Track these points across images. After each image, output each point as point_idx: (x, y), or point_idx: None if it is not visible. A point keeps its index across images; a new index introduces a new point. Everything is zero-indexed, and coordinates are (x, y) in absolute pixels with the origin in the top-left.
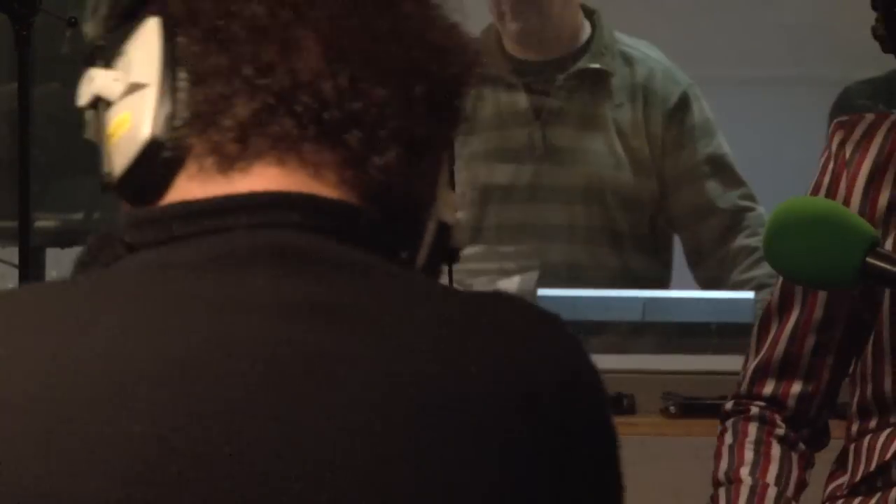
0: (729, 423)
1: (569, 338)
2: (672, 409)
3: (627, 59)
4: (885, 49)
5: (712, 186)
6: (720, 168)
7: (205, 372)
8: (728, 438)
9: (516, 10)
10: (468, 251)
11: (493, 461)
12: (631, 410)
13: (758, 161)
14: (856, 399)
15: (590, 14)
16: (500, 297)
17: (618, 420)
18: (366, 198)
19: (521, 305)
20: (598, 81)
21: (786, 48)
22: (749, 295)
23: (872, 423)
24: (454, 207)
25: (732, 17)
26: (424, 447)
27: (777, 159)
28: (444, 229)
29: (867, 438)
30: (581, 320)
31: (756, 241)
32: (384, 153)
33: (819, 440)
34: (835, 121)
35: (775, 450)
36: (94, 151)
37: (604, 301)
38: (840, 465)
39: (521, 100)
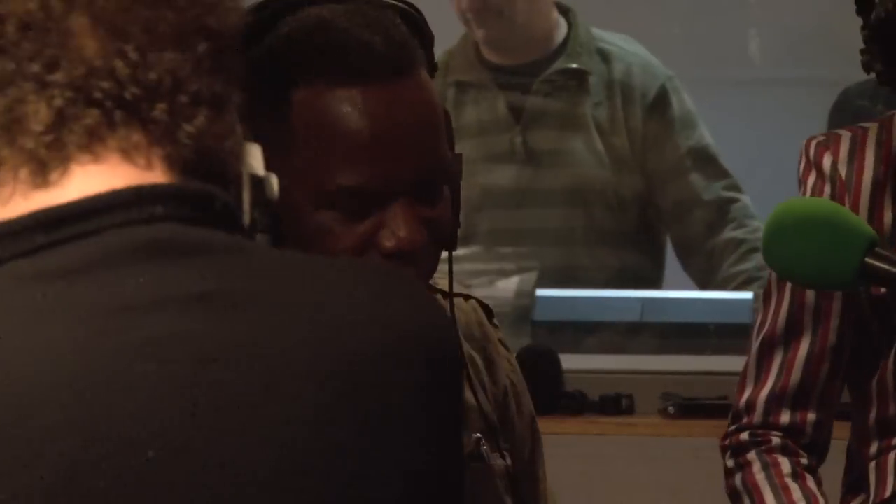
0: (753, 455)
1: (427, 297)
2: (671, 409)
3: (605, 56)
4: (882, 82)
5: (696, 179)
6: (703, 160)
7: (104, 377)
8: (759, 472)
9: (478, 18)
10: (465, 252)
11: (393, 430)
12: (629, 411)
13: (757, 162)
14: (873, 416)
15: (565, 12)
16: (357, 264)
17: (616, 421)
18: (187, 170)
19: (381, 271)
20: (575, 81)
21: (785, 49)
22: (748, 295)
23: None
24: (260, 159)
25: (732, 19)
26: (332, 418)
27: (777, 160)
28: (258, 182)
29: (893, 455)
30: (579, 321)
31: (743, 233)
32: (192, 119)
33: (823, 457)
34: (812, 142)
35: (810, 482)
36: None
37: (602, 302)
38: (856, 486)
39: (501, 105)
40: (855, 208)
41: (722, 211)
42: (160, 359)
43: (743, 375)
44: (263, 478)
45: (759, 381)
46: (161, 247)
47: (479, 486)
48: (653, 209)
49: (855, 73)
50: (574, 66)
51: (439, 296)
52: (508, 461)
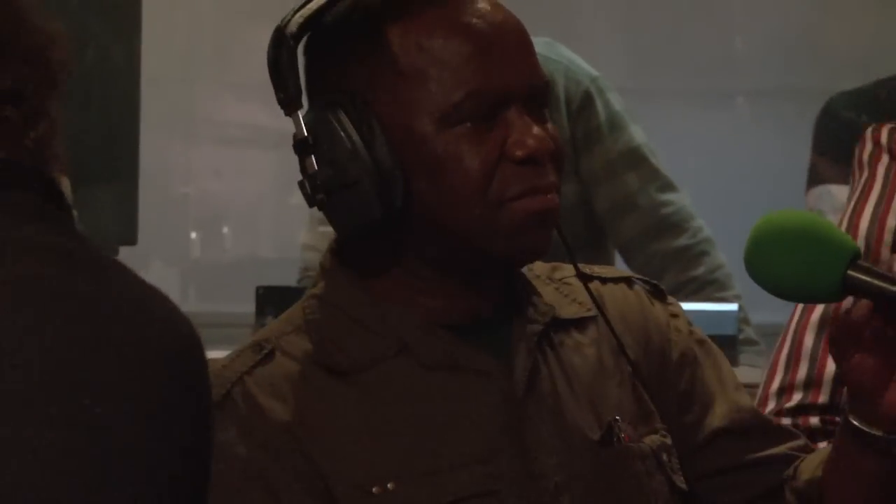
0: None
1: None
2: None
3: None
4: None
5: (628, 182)
6: (634, 161)
7: None
8: None
9: None
10: None
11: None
12: None
13: (742, 170)
14: None
15: None
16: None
17: None
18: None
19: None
20: None
21: (770, 59)
22: (733, 307)
23: None
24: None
25: (716, 29)
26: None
27: (761, 169)
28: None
29: None
30: None
31: (685, 240)
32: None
33: None
34: (884, 128)
35: None
36: None
37: None
38: None
39: None
40: None
41: (657, 217)
42: None
43: (797, 352)
44: None
45: (819, 359)
46: None
47: (610, 471)
48: (593, 215)
49: (840, 84)
50: None
51: (572, 280)
52: (667, 439)
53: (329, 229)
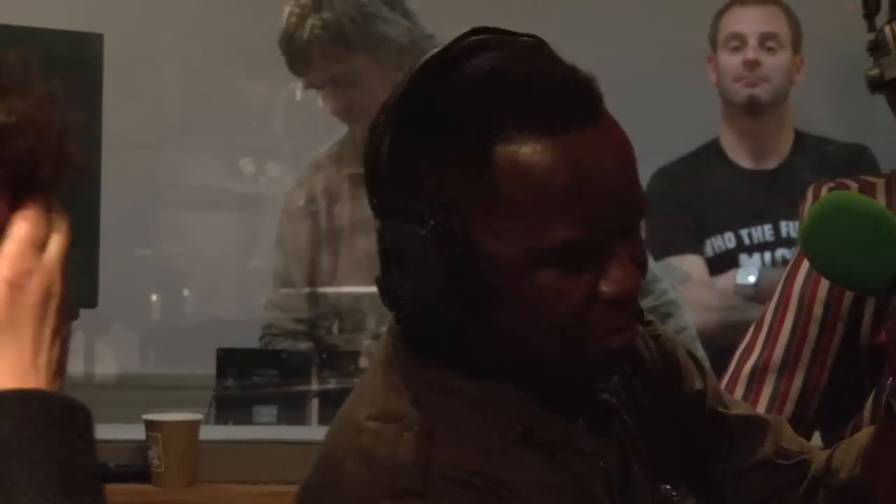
0: None
1: None
2: None
3: None
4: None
5: None
6: None
7: None
8: None
9: (348, 119)
10: None
11: None
12: None
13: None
14: None
15: None
16: None
17: None
18: None
19: None
20: None
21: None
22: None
23: None
24: None
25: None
26: None
27: None
28: None
29: None
30: None
31: (650, 301)
32: None
33: None
34: (823, 187)
35: None
36: None
37: None
38: None
39: None
40: None
41: None
42: None
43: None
44: None
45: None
46: None
47: None
48: None
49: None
50: None
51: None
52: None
53: (291, 291)
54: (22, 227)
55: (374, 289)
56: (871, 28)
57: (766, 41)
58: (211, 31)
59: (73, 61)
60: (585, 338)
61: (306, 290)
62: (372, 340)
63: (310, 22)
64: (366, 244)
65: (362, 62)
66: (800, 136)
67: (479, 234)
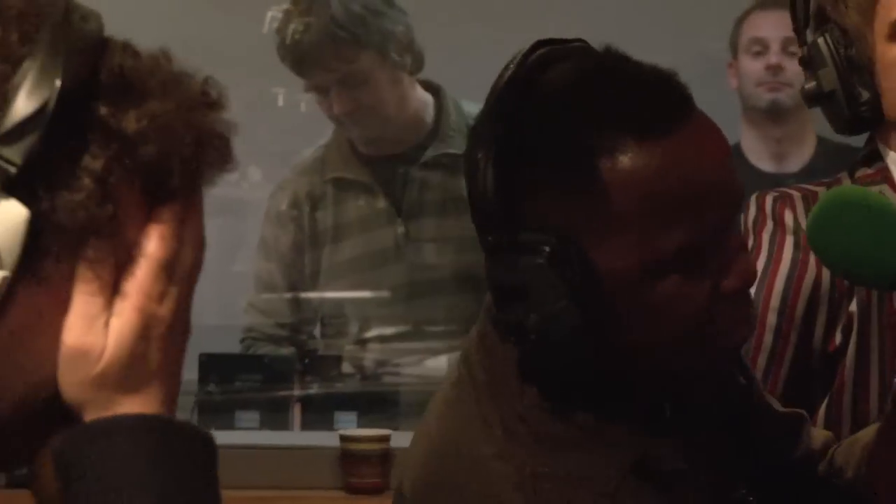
0: None
1: None
2: None
3: None
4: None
5: None
6: None
7: None
8: None
9: (352, 119)
10: (393, 331)
11: None
12: None
13: None
14: None
15: (435, 91)
16: None
17: None
18: None
19: None
20: (449, 166)
21: None
22: None
23: None
24: None
25: None
26: None
27: None
28: None
29: None
30: None
31: None
32: None
33: None
34: (767, 197)
35: None
36: None
37: None
38: None
39: (381, 199)
40: (819, 263)
41: None
42: None
43: None
44: None
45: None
46: None
47: None
48: None
49: None
50: (446, 151)
51: None
52: None
53: (273, 295)
54: (153, 244)
55: (356, 293)
56: (803, 42)
57: (789, 46)
58: (191, 37)
59: None
60: (713, 336)
61: (288, 294)
62: (354, 346)
63: (317, 21)
64: (349, 249)
65: (372, 60)
66: (822, 142)
67: (595, 254)
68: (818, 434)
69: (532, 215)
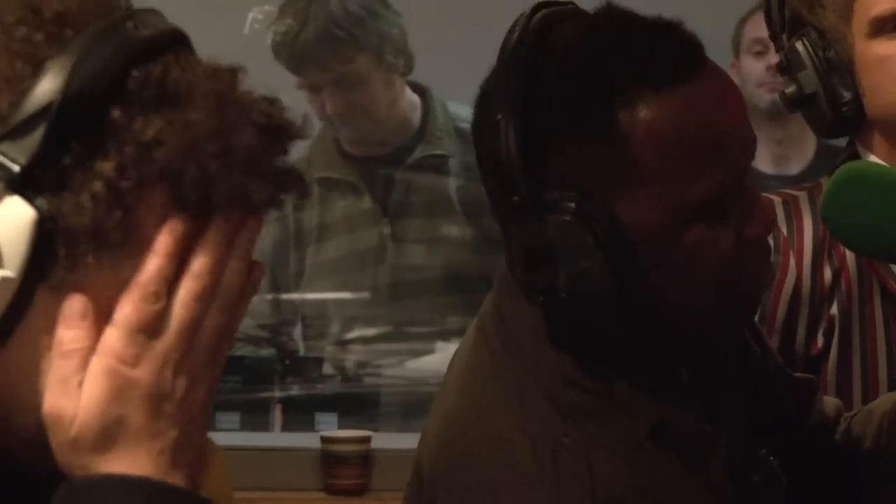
0: None
1: None
2: None
3: (463, 137)
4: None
5: None
6: None
7: None
8: None
9: (343, 120)
10: (375, 332)
11: None
12: None
13: None
14: None
15: (422, 92)
16: None
17: None
18: None
19: None
20: (436, 167)
21: None
22: None
23: None
24: None
25: None
26: None
27: None
28: None
29: None
30: None
31: None
32: None
33: None
34: None
35: None
36: None
37: None
38: None
39: (367, 199)
40: (799, 266)
41: None
42: None
43: None
44: None
45: None
46: None
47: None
48: None
49: None
50: (435, 152)
51: None
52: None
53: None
54: (128, 301)
55: (339, 294)
56: (780, 48)
57: None
58: None
59: None
60: (739, 284)
61: (269, 295)
62: (335, 346)
63: (315, 19)
64: (333, 249)
65: (368, 62)
66: (823, 144)
67: (620, 207)
68: (829, 401)
69: (554, 174)
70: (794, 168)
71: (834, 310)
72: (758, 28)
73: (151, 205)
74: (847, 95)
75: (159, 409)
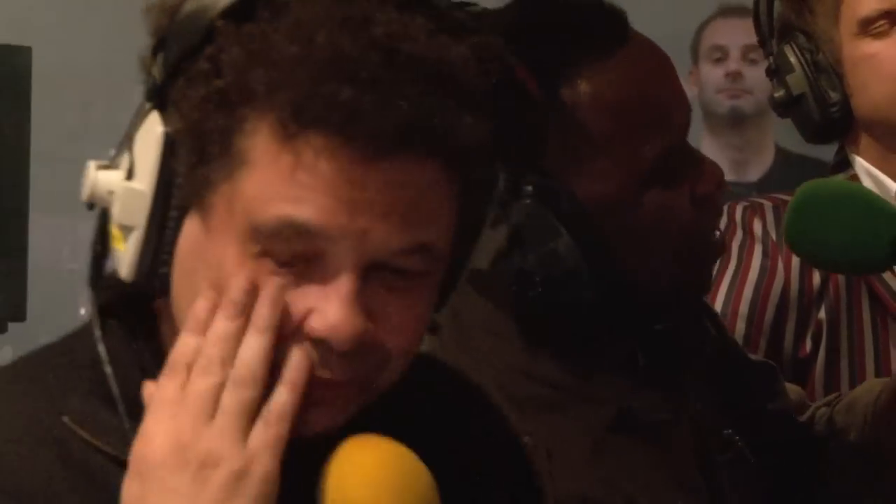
0: None
1: None
2: None
3: None
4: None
5: None
6: None
7: None
8: None
9: None
10: None
11: None
12: None
13: None
14: None
15: None
16: None
17: None
18: None
19: None
20: None
21: None
22: None
23: None
24: None
25: None
26: None
27: None
28: None
29: None
30: None
31: None
32: None
33: None
34: (737, 206)
35: None
36: None
37: None
38: None
39: None
40: (787, 270)
41: None
42: None
43: None
44: None
45: None
46: None
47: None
48: None
49: None
50: None
51: None
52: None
53: None
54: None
55: None
56: (769, 53)
57: (749, 53)
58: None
59: (2, 74)
60: (694, 248)
61: None
62: None
63: None
64: None
65: None
66: (781, 152)
67: (577, 182)
68: (791, 388)
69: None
70: (754, 174)
71: (822, 313)
72: (716, 35)
73: (264, 136)
74: (835, 97)
75: None
